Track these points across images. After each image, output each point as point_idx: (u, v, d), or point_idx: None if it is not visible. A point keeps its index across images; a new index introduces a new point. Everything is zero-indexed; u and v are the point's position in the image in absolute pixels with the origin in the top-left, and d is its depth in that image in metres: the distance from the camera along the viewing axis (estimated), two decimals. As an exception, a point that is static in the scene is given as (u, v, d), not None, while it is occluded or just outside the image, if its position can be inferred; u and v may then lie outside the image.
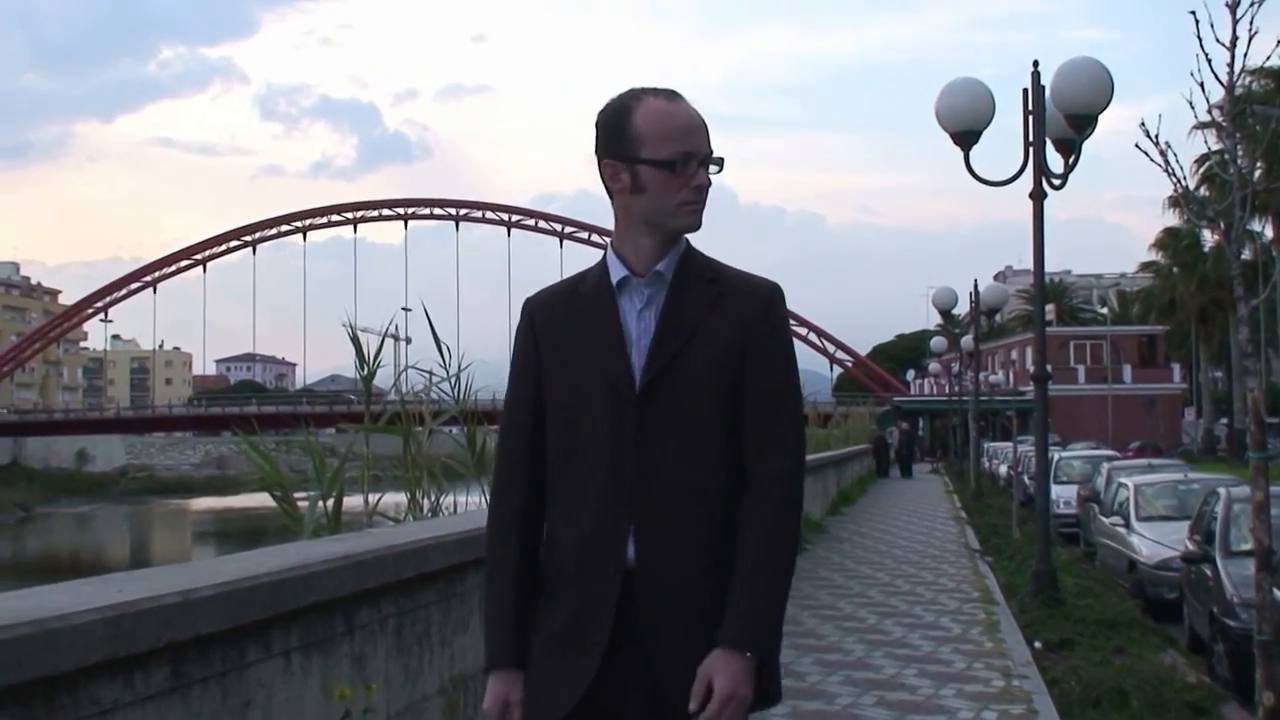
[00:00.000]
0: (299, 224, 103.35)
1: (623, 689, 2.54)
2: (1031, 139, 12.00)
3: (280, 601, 3.33)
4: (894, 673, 8.71)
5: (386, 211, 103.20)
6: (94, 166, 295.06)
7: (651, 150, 2.59)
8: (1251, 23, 6.67)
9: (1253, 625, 6.94)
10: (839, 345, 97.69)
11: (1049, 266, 12.54)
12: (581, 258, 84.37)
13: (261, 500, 5.93)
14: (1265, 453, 6.85)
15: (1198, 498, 13.83)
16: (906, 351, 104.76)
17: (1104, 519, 17.69)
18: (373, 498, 6.26)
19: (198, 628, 2.93)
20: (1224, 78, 6.81)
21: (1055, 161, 12.01)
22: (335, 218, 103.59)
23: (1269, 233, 55.00)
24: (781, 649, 2.67)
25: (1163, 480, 18.06)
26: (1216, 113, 7.27)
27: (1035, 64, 12.13)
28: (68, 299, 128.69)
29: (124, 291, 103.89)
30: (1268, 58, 7.09)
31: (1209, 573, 10.96)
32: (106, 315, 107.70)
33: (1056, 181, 11.98)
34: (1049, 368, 13.00)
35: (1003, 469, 36.77)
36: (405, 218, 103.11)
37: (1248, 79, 8.01)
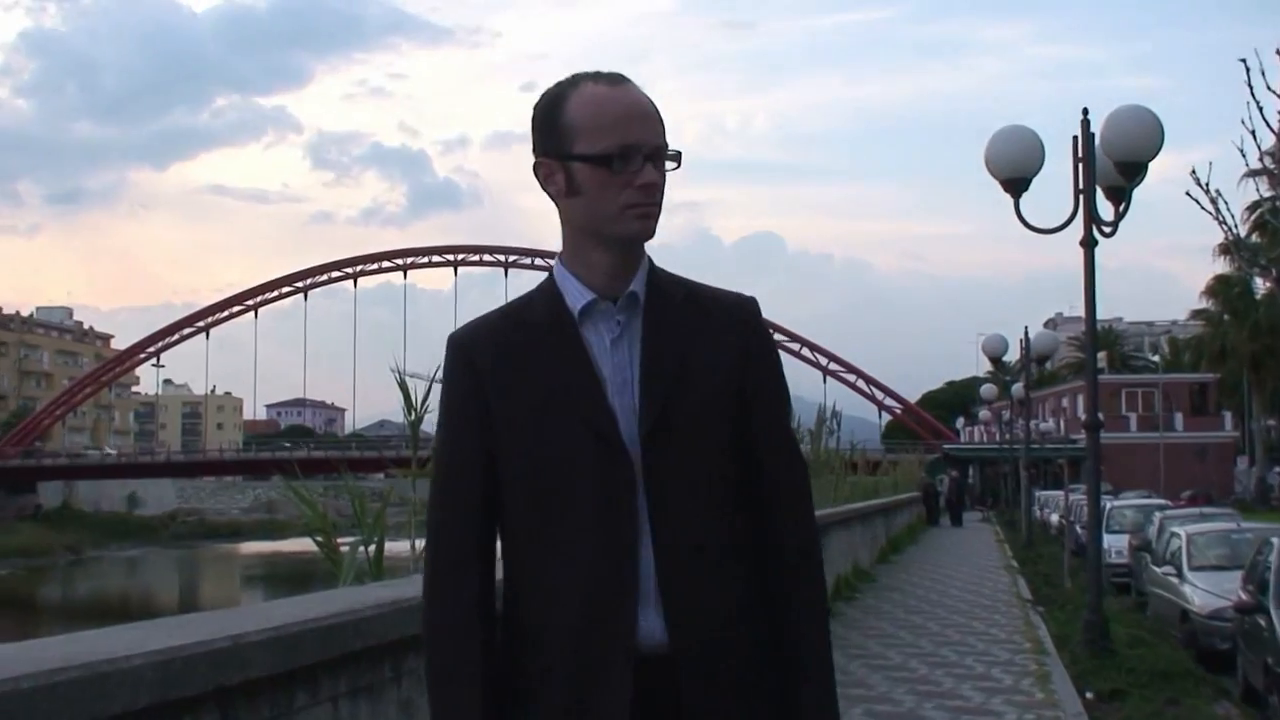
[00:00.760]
0: (349, 270, 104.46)
1: None
2: (1081, 186, 11.95)
3: (329, 647, 3.33)
4: (944, 724, 8.62)
5: (436, 258, 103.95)
6: (147, 213, 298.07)
7: (586, 144, 2.17)
8: (1303, 69, 6.65)
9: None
10: (888, 392, 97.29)
11: (1100, 313, 12.45)
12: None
13: (309, 545, 5.96)
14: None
15: (1251, 547, 13.66)
16: (956, 399, 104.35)
17: (1156, 568, 17.48)
18: (419, 543, 6.27)
19: (246, 672, 2.92)
20: (1275, 125, 6.78)
21: (1105, 209, 11.96)
22: (386, 264, 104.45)
23: (1322, 280, 54.43)
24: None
25: (1215, 529, 17.91)
26: (1268, 159, 7.23)
27: (1085, 111, 12.08)
28: (120, 344, 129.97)
29: (176, 337, 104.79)
30: (1320, 104, 7.06)
31: (1263, 623, 10.83)
32: (159, 360, 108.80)
33: (1107, 229, 11.92)
34: (1101, 415, 12.89)
35: (1054, 518, 36.38)
36: (455, 264, 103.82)
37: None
